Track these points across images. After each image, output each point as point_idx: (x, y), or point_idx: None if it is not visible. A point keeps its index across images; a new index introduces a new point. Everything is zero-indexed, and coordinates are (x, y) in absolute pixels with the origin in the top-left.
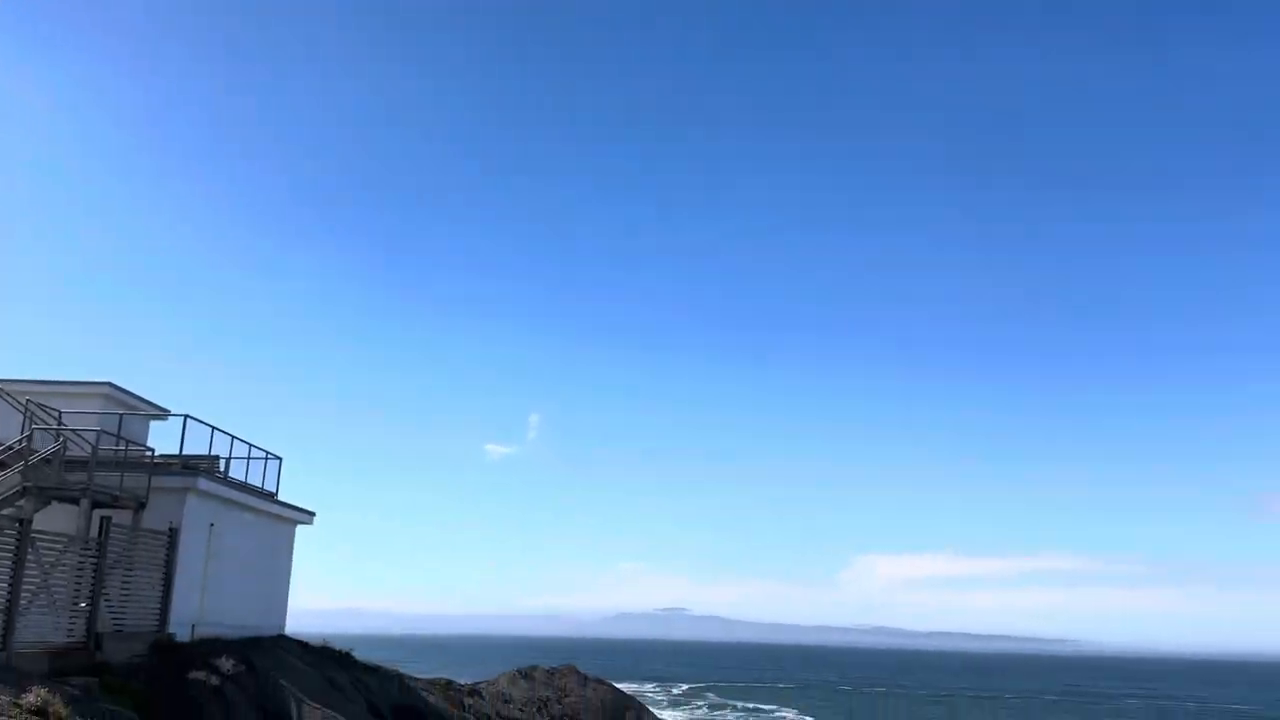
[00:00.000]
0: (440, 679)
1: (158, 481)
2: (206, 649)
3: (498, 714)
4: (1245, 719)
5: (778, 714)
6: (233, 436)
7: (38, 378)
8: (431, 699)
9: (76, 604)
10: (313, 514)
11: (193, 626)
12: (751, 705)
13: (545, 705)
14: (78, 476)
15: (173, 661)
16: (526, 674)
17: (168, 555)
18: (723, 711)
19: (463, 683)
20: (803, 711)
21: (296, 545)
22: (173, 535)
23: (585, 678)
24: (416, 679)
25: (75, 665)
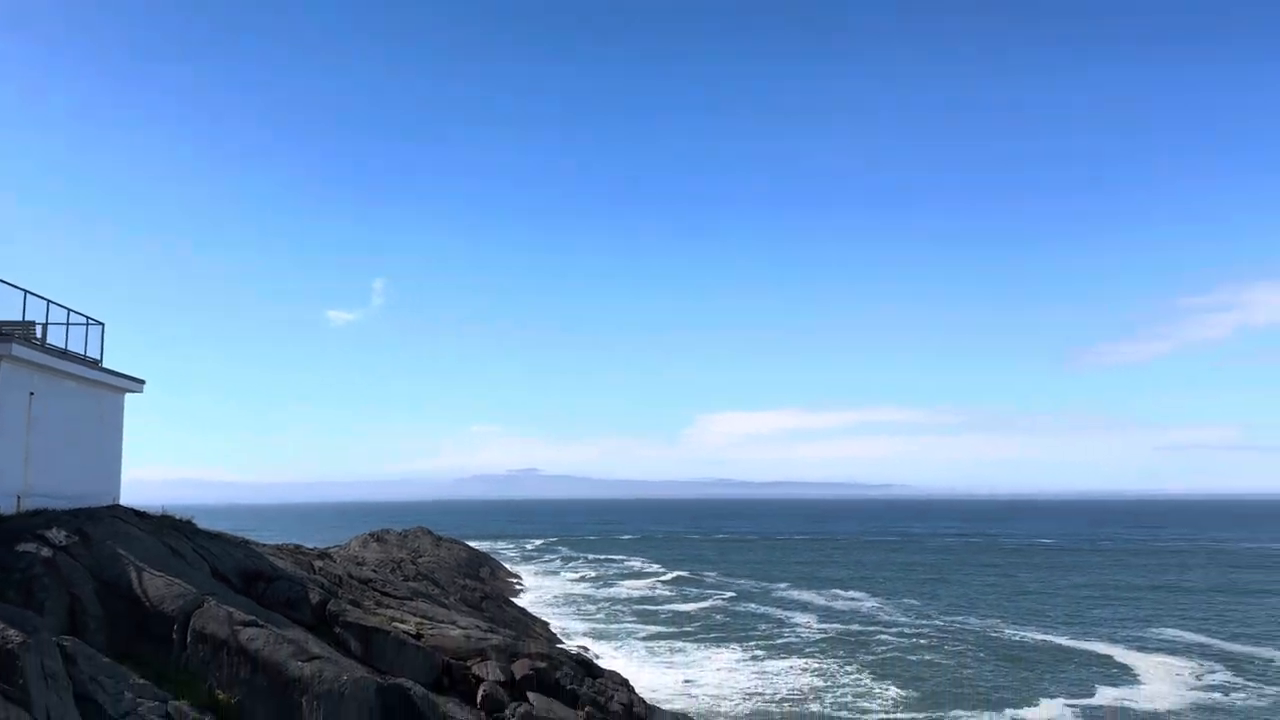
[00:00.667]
0: (288, 544)
1: None
2: (35, 521)
3: (349, 575)
4: (1045, 549)
5: (627, 562)
6: (49, 301)
7: None
8: (280, 563)
9: None
10: (142, 382)
11: (18, 498)
12: (602, 556)
13: (399, 566)
14: None
15: None
16: (379, 537)
17: None
18: (574, 563)
19: (311, 547)
20: (650, 559)
21: (129, 415)
22: None
23: (438, 538)
24: (263, 545)
25: None
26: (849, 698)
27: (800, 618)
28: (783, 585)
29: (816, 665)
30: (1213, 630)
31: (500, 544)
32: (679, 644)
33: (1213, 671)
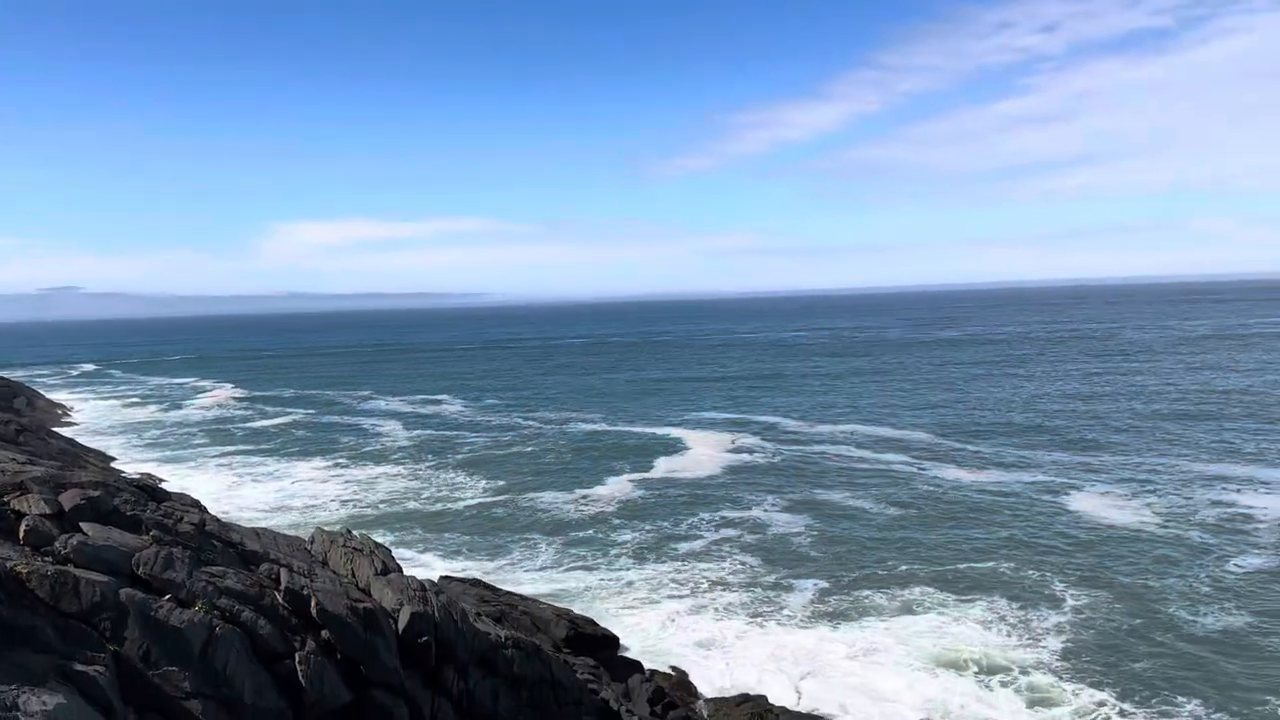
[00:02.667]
0: None
1: None
2: None
3: None
4: (612, 347)
5: (194, 383)
6: None
7: None
8: None
9: None
10: None
11: None
12: (165, 379)
13: None
14: None
15: None
16: None
17: None
18: (131, 387)
19: None
20: (220, 379)
21: None
22: None
23: None
24: None
25: None
26: (444, 491)
27: (388, 426)
28: (367, 396)
29: (409, 469)
30: (742, 407)
31: (41, 371)
32: (261, 460)
33: (742, 437)
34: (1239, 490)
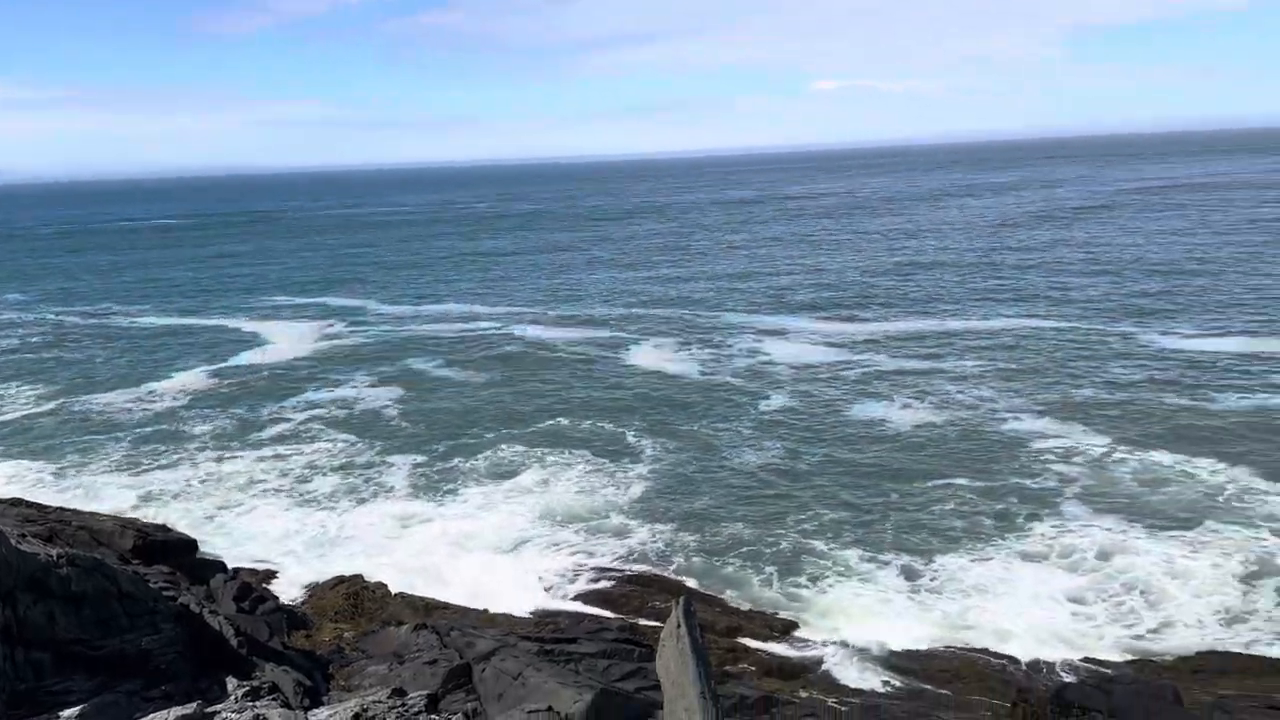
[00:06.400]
0: None
1: None
2: None
3: None
4: (165, 230)
5: None
6: None
7: None
8: None
9: None
10: None
11: None
12: None
13: None
14: None
15: None
16: None
17: None
18: None
19: None
20: None
21: None
22: None
23: None
24: None
25: None
26: None
27: None
28: None
29: None
30: (327, 293)
31: None
32: None
33: (328, 322)
34: (759, 339)
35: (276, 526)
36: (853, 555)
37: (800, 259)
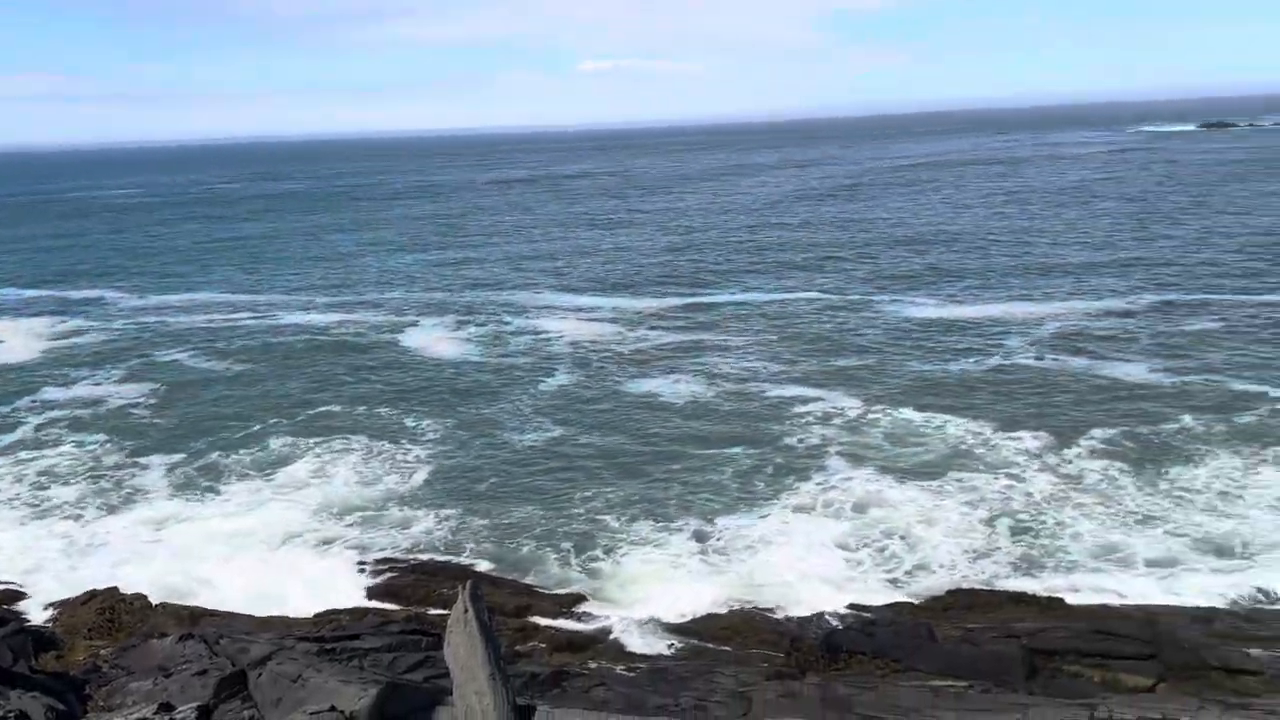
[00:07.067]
0: None
1: None
2: None
3: None
4: None
5: None
6: None
7: None
8: None
9: None
10: None
11: None
12: None
13: None
14: None
15: None
16: None
17: None
18: None
19: None
20: None
21: None
22: None
23: None
24: None
25: None
26: None
27: None
28: None
29: None
30: (65, 285)
31: None
32: None
33: (64, 318)
34: (538, 318)
35: (11, 542)
36: (643, 526)
37: (576, 238)
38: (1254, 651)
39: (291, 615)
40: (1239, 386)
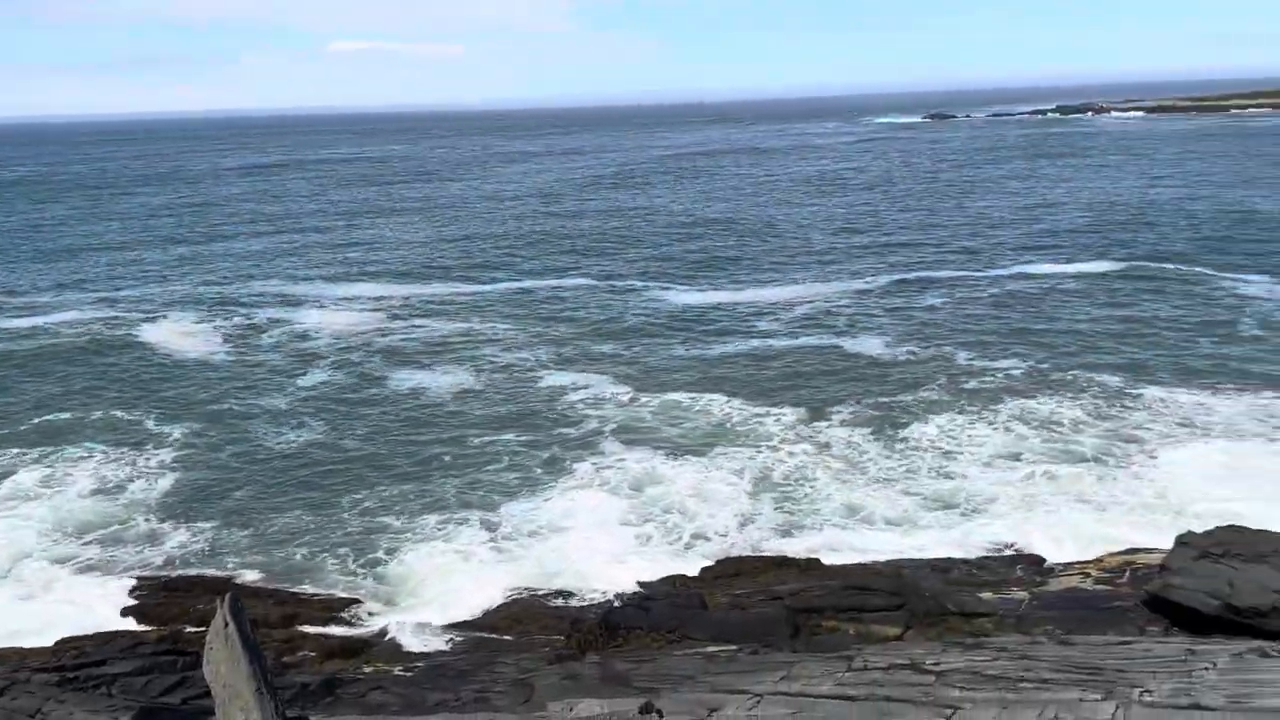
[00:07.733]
0: None
1: None
2: None
3: None
4: None
5: None
6: None
7: None
8: None
9: None
10: None
11: None
12: None
13: None
14: None
15: None
16: None
17: None
18: None
19: None
20: None
21: None
22: None
23: None
24: None
25: None
26: None
27: None
28: None
29: None
30: None
31: None
32: None
33: None
34: (292, 311)
35: None
36: (426, 521)
37: (332, 228)
38: (985, 595)
39: (26, 646)
40: (962, 358)
